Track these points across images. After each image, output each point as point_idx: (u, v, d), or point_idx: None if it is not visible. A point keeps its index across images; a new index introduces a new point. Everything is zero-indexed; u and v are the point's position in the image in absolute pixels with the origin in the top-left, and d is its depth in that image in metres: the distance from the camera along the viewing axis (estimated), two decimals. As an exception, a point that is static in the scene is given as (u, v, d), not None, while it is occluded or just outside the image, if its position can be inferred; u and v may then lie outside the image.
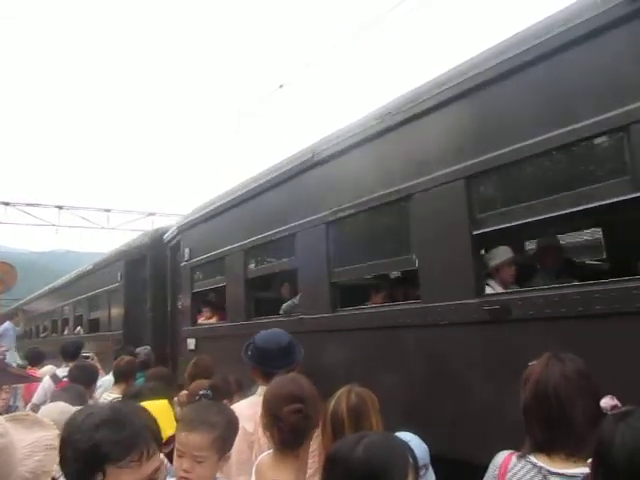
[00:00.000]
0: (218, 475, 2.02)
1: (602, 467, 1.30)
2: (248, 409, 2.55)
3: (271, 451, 2.06)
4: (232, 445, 2.06)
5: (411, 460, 1.51)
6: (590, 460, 1.38)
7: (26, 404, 5.53)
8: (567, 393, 1.72)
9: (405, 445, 1.57)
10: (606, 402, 1.47)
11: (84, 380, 4.48)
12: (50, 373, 5.95)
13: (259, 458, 2.12)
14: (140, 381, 4.80)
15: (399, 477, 1.48)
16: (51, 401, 3.46)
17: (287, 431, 2.00)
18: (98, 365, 6.57)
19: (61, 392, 3.78)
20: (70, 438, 1.35)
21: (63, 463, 1.37)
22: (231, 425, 2.06)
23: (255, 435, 2.46)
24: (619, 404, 1.46)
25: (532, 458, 1.72)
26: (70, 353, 6.31)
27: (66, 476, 1.37)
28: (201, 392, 2.47)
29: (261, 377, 2.70)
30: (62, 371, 5.88)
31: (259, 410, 2.48)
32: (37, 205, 20.83)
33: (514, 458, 1.77)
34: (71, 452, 1.34)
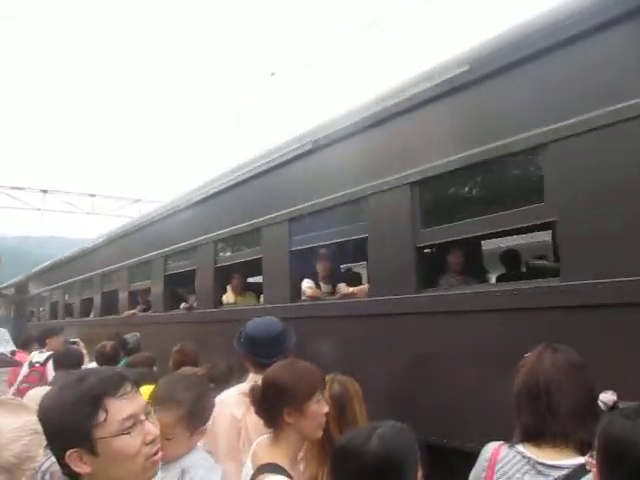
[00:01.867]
0: (199, 447, 2.07)
1: (623, 466, 1.25)
2: (237, 396, 2.57)
3: (269, 435, 2.09)
4: (207, 419, 2.09)
5: (418, 450, 1.55)
6: (589, 455, 1.36)
7: (10, 387, 5.53)
8: (556, 383, 1.72)
9: (414, 435, 1.60)
10: (606, 397, 1.45)
11: (70, 365, 4.50)
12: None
13: (256, 442, 2.14)
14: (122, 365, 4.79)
15: (413, 467, 1.52)
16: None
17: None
18: (84, 351, 6.57)
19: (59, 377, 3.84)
20: (60, 396, 1.32)
21: (61, 424, 1.29)
22: (201, 400, 2.06)
23: (243, 422, 2.47)
24: (618, 400, 1.44)
25: (521, 448, 1.72)
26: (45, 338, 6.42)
27: (64, 436, 1.30)
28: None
29: (252, 365, 2.71)
30: (37, 356, 6.00)
31: (248, 397, 2.53)
32: (21, 189, 20.54)
33: (503, 449, 1.77)
34: (64, 408, 1.29)
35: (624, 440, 1.25)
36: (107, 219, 20.90)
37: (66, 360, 4.69)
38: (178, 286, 6.99)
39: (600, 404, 1.47)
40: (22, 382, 5.54)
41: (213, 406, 2.19)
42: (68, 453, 1.27)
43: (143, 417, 1.35)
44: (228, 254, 5.73)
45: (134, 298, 8.12)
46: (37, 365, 5.79)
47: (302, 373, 2.07)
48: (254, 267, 5.28)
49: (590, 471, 1.51)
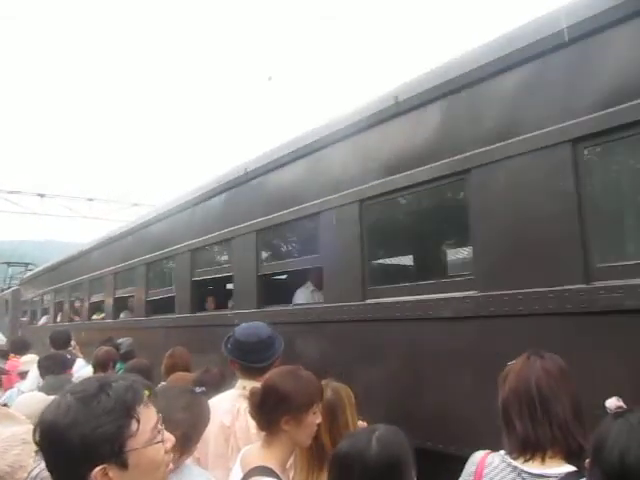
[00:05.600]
0: (188, 462, 2.01)
1: (597, 465, 1.25)
2: (226, 402, 2.53)
3: (260, 441, 2.07)
4: (197, 441, 2.03)
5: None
6: (588, 460, 1.34)
7: (5, 391, 5.49)
8: (549, 388, 1.68)
9: (406, 437, 1.68)
10: (611, 402, 1.42)
11: (56, 370, 4.51)
12: (34, 362, 5.91)
13: (244, 449, 2.12)
14: (120, 372, 4.77)
15: (410, 466, 1.61)
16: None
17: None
18: (79, 355, 6.54)
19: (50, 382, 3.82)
20: (87, 407, 1.19)
21: (91, 438, 1.15)
22: (198, 422, 2.01)
23: (232, 428, 2.45)
24: (624, 405, 1.41)
25: (507, 457, 1.68)
26: (60, 342, 6.34)
27: (93, 451, 1.16)
28: (197, 389, 2.43)
29: (240, 371, 2.68)
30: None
31: (237, 404, 2.50)
32: (19, 193, 20.52)
33: (490, 457, 1.73)
34: (96, 419, 1.17)
35: (601, 440, 1.25)
36: (105, 223, 20.89)
37: (52, 365, 4.68)
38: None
39: (606, 409, 1.44)
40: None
41: (207, 423, 2.12)
42: (95, 470, 1.15)
43: (160, 425, 1.31)
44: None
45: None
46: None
47: (305, 383, 2.05)
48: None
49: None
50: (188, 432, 1.90)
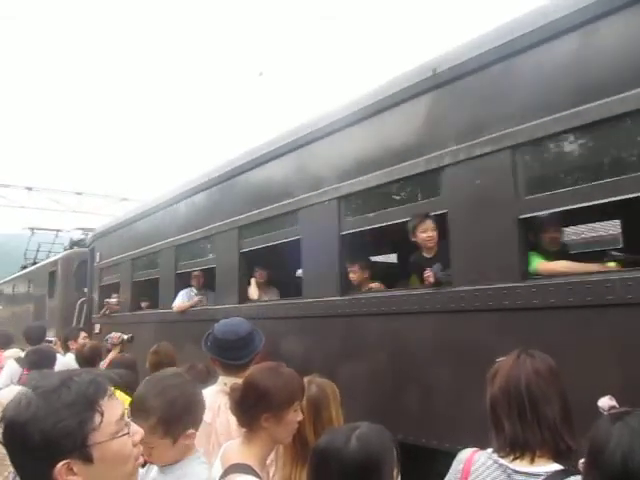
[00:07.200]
0: (199, 454, 1.95)
1: (596, 467, 1.24)
2: (207, 399, 2.49)
3: (240, 437, 2.04)
4: (188, 422, 1.92)
5: (395, 452, 1.58)
6: (582, 461, 1.32)
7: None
8: (539, 389, 1.66)
9: (391, 436, 1.62)
10: (604, 402, 1.41)
11: (43, 365, 4.44)
12: (15, 357, 5.83)
13: (225, 445, 2.09)
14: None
15: (390, 467, 1.55)
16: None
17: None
18: (60, 350, 6.48)
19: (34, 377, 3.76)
20: (47, 402, 1.16)
21: (52, 433, 1.13)
22: (174, 406, 1.91)
23: (213, 425, 2.41)
24: (617, 405, 1.40)
25: (495, 456, 1.66)
26: (36, 337, 6.26)
27: (55, 446, 1.14)
28: None
29: (221, 367, 2.65)
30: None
31: (217, 400, 2.47)
32: (6, 186, 20.32)
33: (477, 455, 1.71)
34: (56, 414, 1.14)
35: (600, 443, 1.24)
36: (94, 217, 20.68)
37: (38, 359, 4.61)
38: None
39: (599, 409, 1.44)
40: None
41: (200, 406, 2.02)
42: (59, 466, 1.12)
43: (127, 418, 1.28)
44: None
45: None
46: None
47: (286, 381, 2.02)
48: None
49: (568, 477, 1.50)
50: (163, 417, 1.84)
